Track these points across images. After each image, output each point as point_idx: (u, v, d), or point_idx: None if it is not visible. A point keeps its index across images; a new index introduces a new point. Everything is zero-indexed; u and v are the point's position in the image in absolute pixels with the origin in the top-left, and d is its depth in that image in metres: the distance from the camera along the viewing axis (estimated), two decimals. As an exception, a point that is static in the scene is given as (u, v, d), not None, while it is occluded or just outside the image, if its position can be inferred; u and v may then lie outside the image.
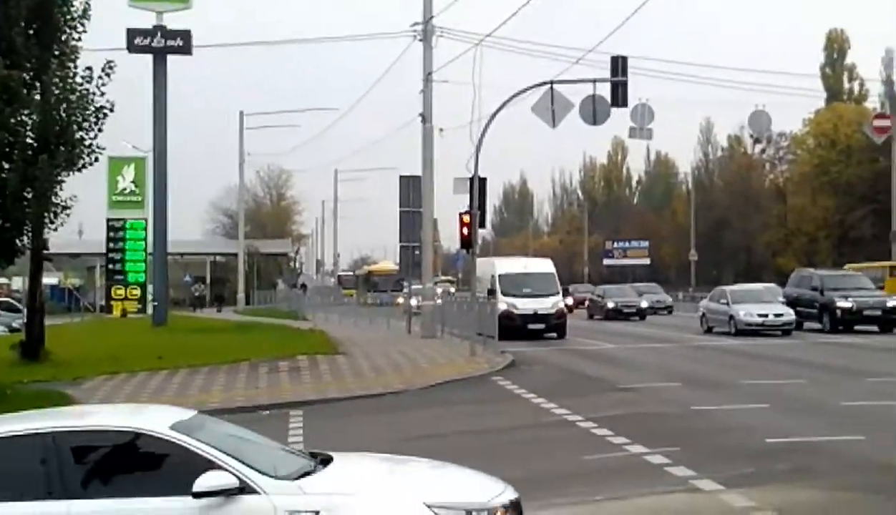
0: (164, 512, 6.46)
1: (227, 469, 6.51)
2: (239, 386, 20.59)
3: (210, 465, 6.52)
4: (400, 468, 7.71)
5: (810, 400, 17.17)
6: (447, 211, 45.46)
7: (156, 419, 7.10)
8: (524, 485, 10.71)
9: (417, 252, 34.77)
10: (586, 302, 53.69)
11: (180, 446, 6.64)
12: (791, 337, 33.22)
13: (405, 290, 39.55)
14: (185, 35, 43.48)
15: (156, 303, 45.40)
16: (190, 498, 6.40)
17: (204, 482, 6.40)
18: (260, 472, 6.62)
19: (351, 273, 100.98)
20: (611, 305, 48.06)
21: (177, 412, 7.61)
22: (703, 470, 10.94)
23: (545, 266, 37.81)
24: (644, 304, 49.13)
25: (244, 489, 6.48)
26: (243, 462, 6.63)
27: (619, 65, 28.71)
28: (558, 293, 35.78)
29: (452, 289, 51.77)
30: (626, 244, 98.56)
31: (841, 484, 10.41)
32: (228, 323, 45.64)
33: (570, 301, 55.67)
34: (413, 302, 37.10)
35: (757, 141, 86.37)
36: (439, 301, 36.94)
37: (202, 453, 6.62)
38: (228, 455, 6.67)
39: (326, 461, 7.23)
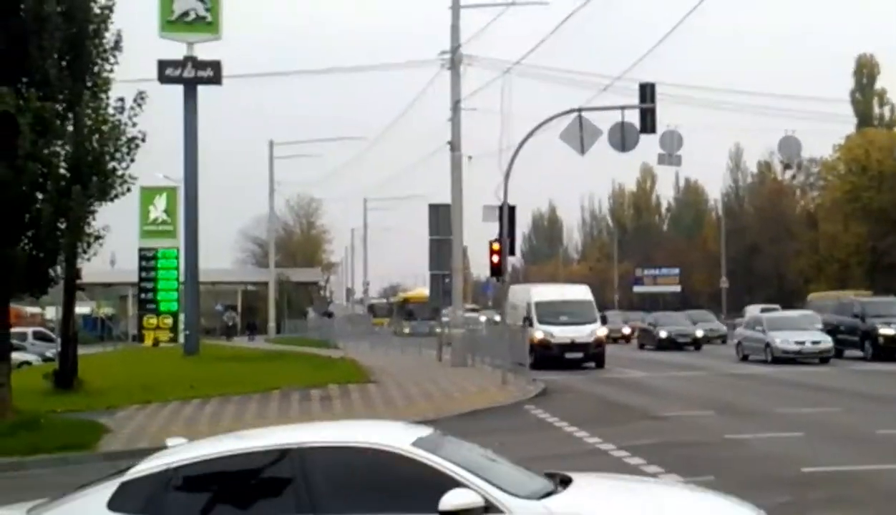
0: None
1: (471, 488, 6.31)
2: (271, 414, 20.59)
3: (454, 483, 6.32)
4: (643, 488, 7.52)
5: (846, 429, 16.98)
6: (477, 238, 45.28)
7: (397, 435, 6.97)
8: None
9: (448, 280, 34.72)
10: (635, 332, 51.24)
11: (423, 463, 6.48)
12: (829, 365, 32.88)
13: (444, 319, 38.82)
14: (216, 65, 43.79)
15: (187, 332, 45.57)
16: None
17: (450, 500, 6.19)
18: (505, 491, 6.41)
19: (384, 300, 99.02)
20: (664, 335, 45.79)
21: (415, 428, 7.45)
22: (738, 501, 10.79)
23: (583, 293, 36.90)
24: (699, 333, 46.44)
25: (489, 508, 6.28)
26: (487, 481, 6.44)
27: (647, 91, 28.72)
28: (596, 321, 35.01)
29: (497, 318, 50.17)
30: (657, 271, 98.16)
31: (878, 514, 10.26)
32: (259, 352, 45.72)
33: (627, 330, 53.78)
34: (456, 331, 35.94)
35: (787, 167, 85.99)
36: (484, 330, 35.98)
37: (446, 471, 6.43)
38: (472, 473, 6.47)
39: (566, 481, 7.01)
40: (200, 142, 44.60)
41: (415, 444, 6.65)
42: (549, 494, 6.62)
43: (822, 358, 33.88)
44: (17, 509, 6.88)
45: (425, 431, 7.23)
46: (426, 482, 6.38)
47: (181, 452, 6.89)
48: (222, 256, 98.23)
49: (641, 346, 47.77)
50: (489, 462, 7.05)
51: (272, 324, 72.05)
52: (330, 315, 77.39)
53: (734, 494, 11.08)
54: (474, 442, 17.12)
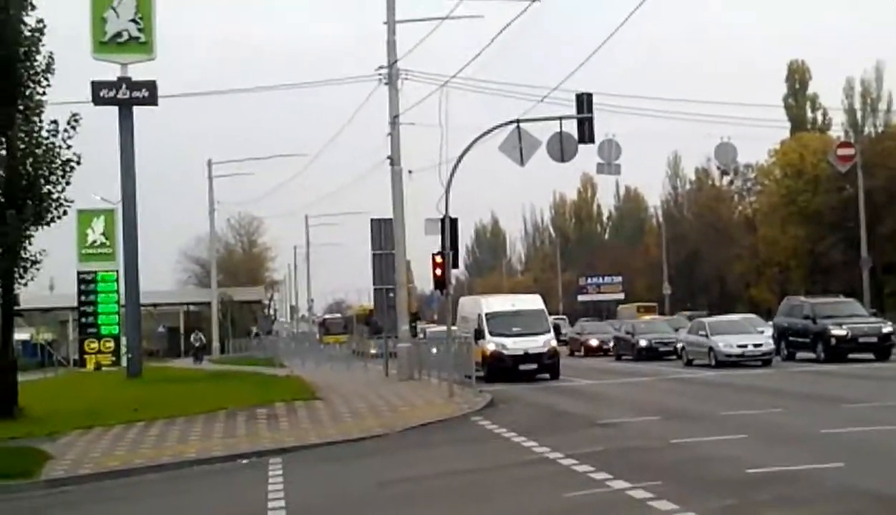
0: None
1: None
2: (216, 435, 20.38)
3: None
4: None
5: (789, 429, 17.18)
6: (420, 252, 44.90)
7: None
8: (507, 525, 10.65)
9: (392, 294, 34.68)
10: (611, 341, 47.63)
11: None
12: (771, 367, 33.24)
13: (420, 331, 35.28)
14: (151, 86, 43.41)
15: (129, 355, 45.06)
16: None
17: None
18: None
19: (338, 315, 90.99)
20: (643, 343, 42.45)
21: None
22: (685, 503, 10.88)
23: (534, 302, 36.02)
24: None
25: None
26: None
27: (584, 101, 28.81)
28: (549, 331, 34.12)
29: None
30: (600, 279, 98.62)
31: (821, 512, 10.39)
32: (204, 373, 45.31)
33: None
34: (433, 350, 33.37)
35: (724, 173, 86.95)
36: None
37: None
38: None
39: None
40: (138, 164, 44.24)
41: None
42: None
43: (764, 361, 34.21)
44: None
45: None
46: None
47: None
48: (163, 277, 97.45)
49: (619, 357, 44.51)
50: None
51: (216, 344, 71.57)
52: (268, 333, 75.93)
53: (684, 497, 11.18)
54: (423, 455, 17.16)
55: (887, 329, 35.07)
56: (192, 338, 68.72)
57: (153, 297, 70.76)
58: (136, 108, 43.59)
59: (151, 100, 43.63)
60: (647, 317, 57.80)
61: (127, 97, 42.96)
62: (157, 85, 43.55)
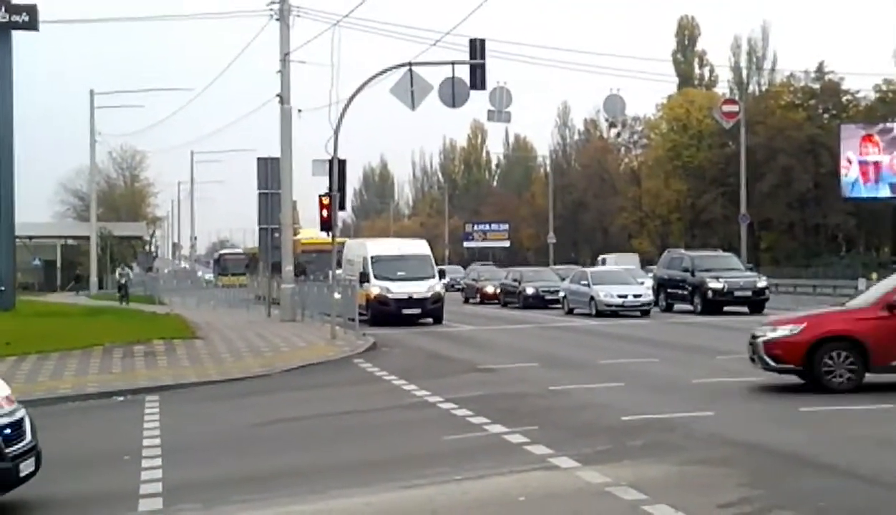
0: None
1: None
2: (92, 371, 20.01)
3: None
4: None
5: (663, 378, 17.58)
6: (307, 193, 44.81)
7: None
8: (385, 466, 10.71)
9: (277, 234, 34.39)
10: (496, 289, 46.82)
11: None
12: (650, 318, 33.96)
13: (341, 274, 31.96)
14: (31, 10, 41.93)
15: (2, 288, 43.80)
16: None
17: None
18: None
19: (239, 251, 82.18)
20: (530, 291, 42.23)
21: None
22: (560, 448, 11.07)
23: (420, 247, 36.28)
24: None
25: None
26: None
27: (477, 47, 28.75)
28: (434, 276, 34.15)
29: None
30: (487, 226, 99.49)
31: (691, 458, 10.66)
32: (81, 308, 44.38)
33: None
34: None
35: (612, 125, 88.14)
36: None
37: None
38: None
39: None
40: (17, 91, 42.75)
41: None
42: None
43: (643, 311, 34.95)
44: None
45: None
46: None
47: None
48: (40, 210, 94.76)
49: (504, 304, 44.08)
50: None
51: (94, 279, 70.00)
52: (148, 269, 73.61)
53: (559, 442, 11.36)
54: (302, 396, 17.07)
55: (762, 283, 36.15)
56: (117, 274, 63.75)
57: (29, 229, 68.81)
58: (15, 33, 42.06)
59: (32, 24, 42.17)
60: None
61: (6, 20, 41.47)
62: (38, 10, 42.09)
